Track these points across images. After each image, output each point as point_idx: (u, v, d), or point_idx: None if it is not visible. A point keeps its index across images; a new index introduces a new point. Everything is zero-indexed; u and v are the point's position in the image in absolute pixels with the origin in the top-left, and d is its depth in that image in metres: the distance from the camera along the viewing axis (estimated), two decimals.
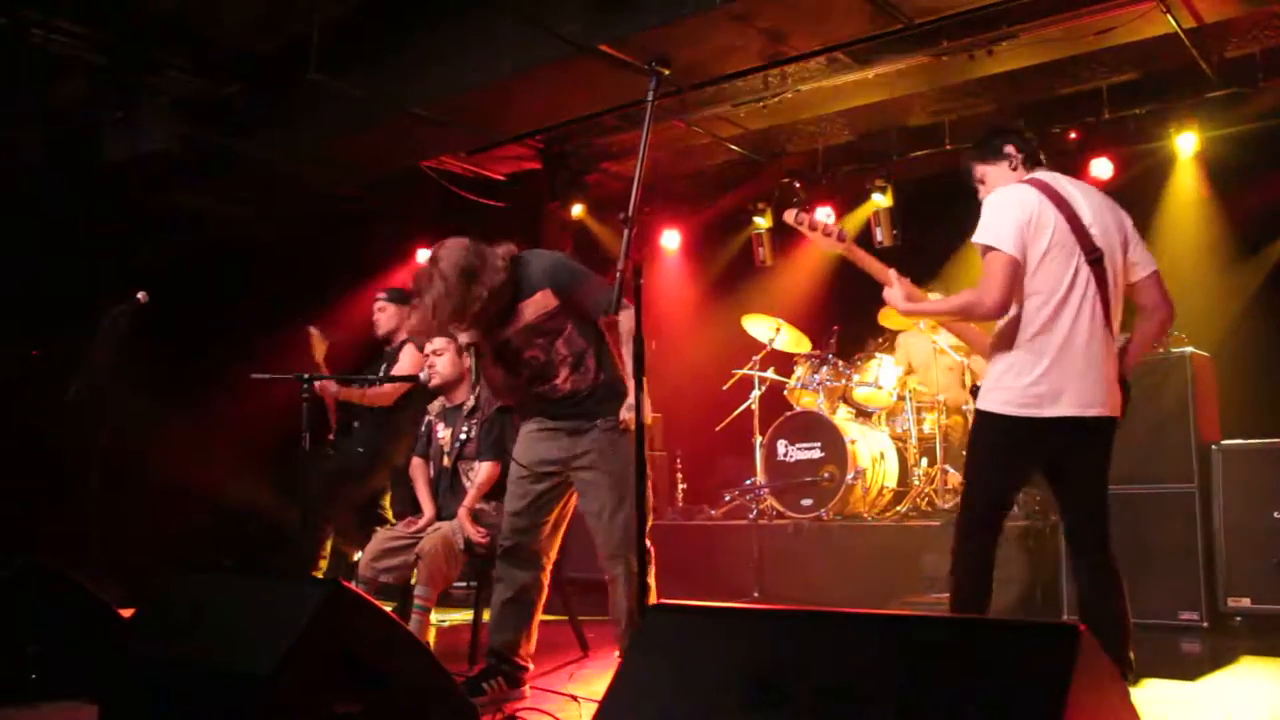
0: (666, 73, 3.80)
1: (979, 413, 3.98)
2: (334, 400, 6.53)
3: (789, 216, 4.18)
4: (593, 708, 2.33)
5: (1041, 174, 4.09)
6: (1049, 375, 3.83)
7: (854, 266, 4.21)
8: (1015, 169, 4.12)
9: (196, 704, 3.08)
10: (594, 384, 4.48)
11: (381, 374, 6.46)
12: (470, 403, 5.64)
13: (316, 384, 6.02)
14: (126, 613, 3.99)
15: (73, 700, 4.11)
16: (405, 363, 6.43)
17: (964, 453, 4.18)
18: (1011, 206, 3.86)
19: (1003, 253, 3.78)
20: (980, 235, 3.84)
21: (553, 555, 4.69)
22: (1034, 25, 6.61)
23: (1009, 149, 4.14)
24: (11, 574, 4.41)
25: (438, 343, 5.61)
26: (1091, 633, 3.91)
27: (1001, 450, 3.94)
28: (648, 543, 4.39)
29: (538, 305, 4.40)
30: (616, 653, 4.79)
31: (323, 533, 6.38)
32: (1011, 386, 3.87)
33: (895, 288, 4.08)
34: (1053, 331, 3.84)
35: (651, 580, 4.43)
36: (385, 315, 6.64)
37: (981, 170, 4.19)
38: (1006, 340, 3.90)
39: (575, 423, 4.50)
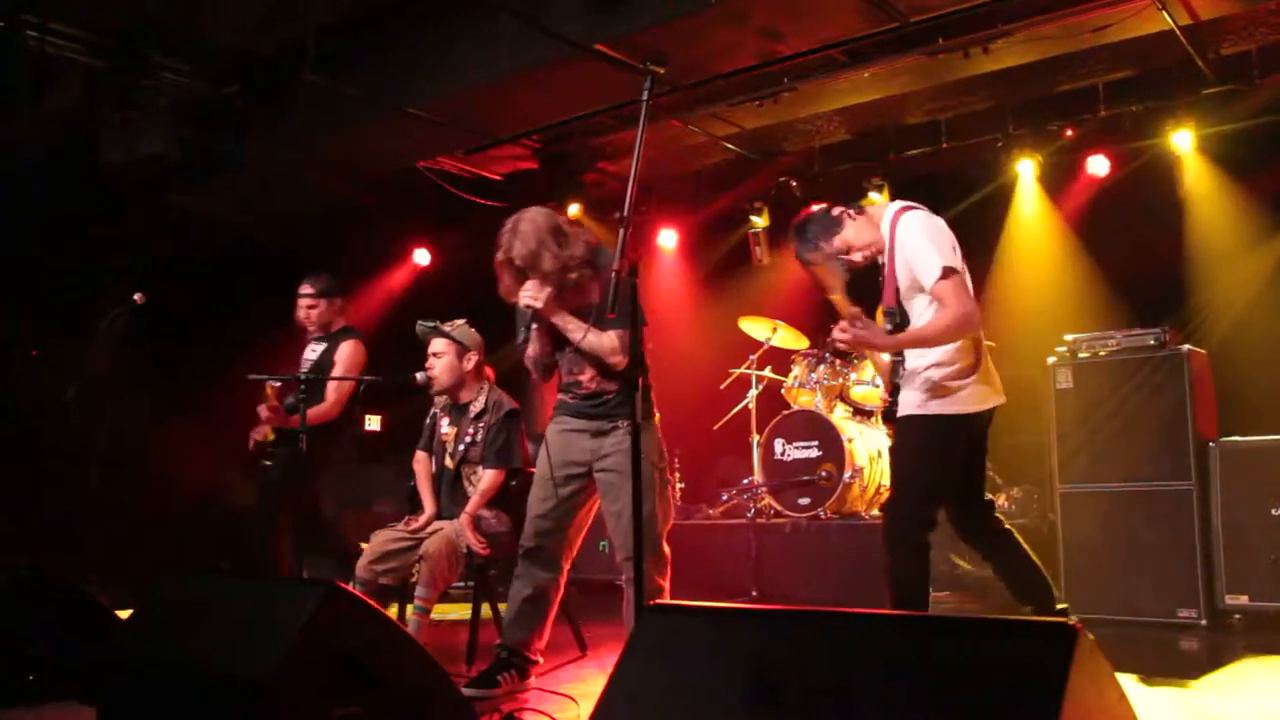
0: (661, 71, 3.82)
1: (934, 419, 4.13)
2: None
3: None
4: (590, 708, 2.33)
5: (899, 202, 4.34)
6: (985, 372, 4.16)
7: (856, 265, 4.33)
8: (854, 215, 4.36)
9: (194, 706, 3.08)
10: (619, 390, 4.56)
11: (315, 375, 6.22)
12: (479, 405, 5.60)
13: (263, 416, 5.97)
14: (124, 614, 3.99)
15: (71, 702, 4.11)
16: (345, 359, 6.21)
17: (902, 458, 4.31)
18: (943, 231, 4.13)
19: (960, 272, 4.04)
20: (942, 259, 4.01)
21: (572, 556, 4.76)
22: (1029, 23, 6.60)
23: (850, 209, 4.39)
24: (10, 577, 4.42)
25: (438, 345, 5.59)
26: (1020, 590, 4.21)
27: (955, 448, 4.17)
28: (665, 547, 4.47)
29: (590, 296, 4.56)
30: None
31: (279, 543, 6.29)
32: (964, 385, 4.11)
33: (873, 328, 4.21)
34: (977, 334, 4.14)
35: (665, 583, 4.50)
36: (316, 312, 6.34)
37: (843, 242, 4.36)
38: (947, 350, 4.12)
39: (599, 423, 4.60)
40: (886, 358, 4.43)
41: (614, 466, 4.52)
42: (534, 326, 4.57)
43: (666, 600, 4.39)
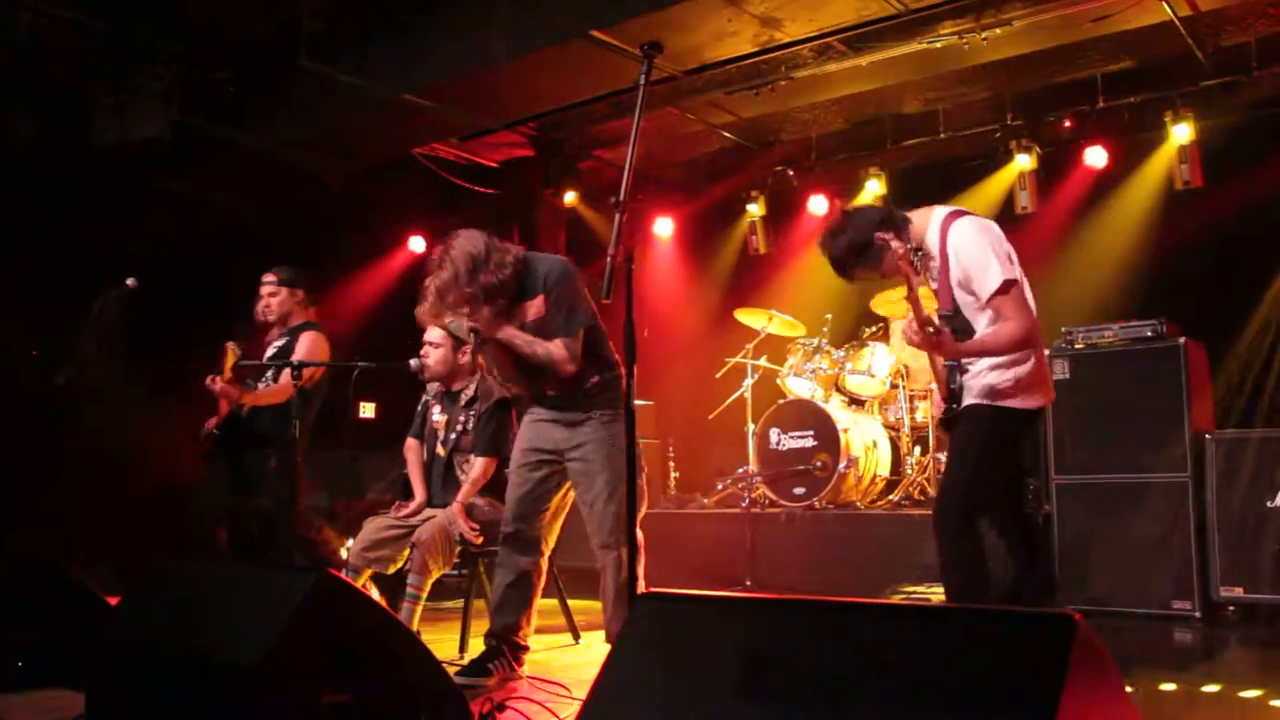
0: (659, 55, 3.80)
1: (998, 410, 4.12)
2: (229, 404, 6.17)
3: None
4: (583, 696, 2.31)
5: (945, 206, 4.28)
6: (1045, 369, 4.19)
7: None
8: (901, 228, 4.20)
9: (183, 692, 3.06)
10: (586, 385, 4.62)
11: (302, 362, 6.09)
12: (469, 393, 5.62)
13: (217, 389, 5.90)
14: (114, 600, 3.97)
15: (60, 688, 4.09)
16: (303, 350, 6.11)
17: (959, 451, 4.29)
18: (999, 238, 4.09)
19: (1019, 282, 4.02)
20: (1001, 273, 3.97)
21: (551, 542, 4.82)
22: (1029, 12, 6.58)
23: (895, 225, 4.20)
24: None
25: (435, 335, 5.61)
26: (1037, 598, 4.20)
27: (1013, 441, 4.25)
28: (639, 533, 4.50)
29: (536, 308, 4.57)
30: (606, 641, 4.84)
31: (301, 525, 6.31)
32: (1029, 381, 4.11)
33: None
34: (1038, 334, 4.12)
35: (640, 570, 4.53)
36: (277, 300, 6.26)
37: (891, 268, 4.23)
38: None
39: (571, 414, 4.64)
40: (942, 363, 4.37)
41: (585, 456, 4.58)
42: (483, 345, 4.64)
43: (656, 589, 4.40)
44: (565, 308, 4.51)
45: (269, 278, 6.31)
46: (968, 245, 4.05)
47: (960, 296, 4.15)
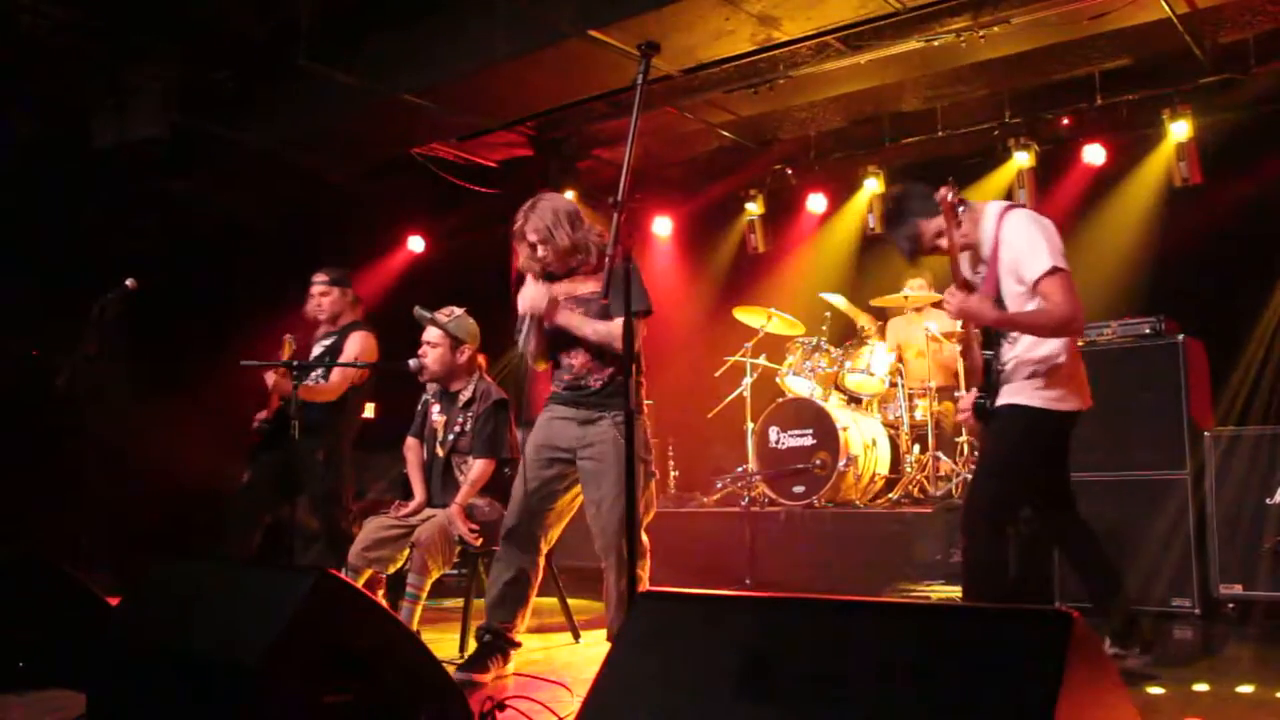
0: (656, 54, 3.80)
1: (1033, 410, 4.14)
2: (280, 396, 6.13)
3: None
4: (583, 695, 2.32)
5: (997, 201, 4.33)
6: (1081, 376, 4.22)
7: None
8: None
9: (184, 693, 3.06)
10: (607, 381, 4.63)
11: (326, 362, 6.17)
12: (467, 395, 5.61)
13: (270, 382, 5.93)
14: (114, 600, 3.97)
15: (61, 688, 4.09)
16: (354, 348, 6.17)
17: (978, 451, 4.30)
18: (1051, 230, 4.14)
19: (1068, 271, 4.03)
20: (1051, 259, 4.02)
21: (551, 541, 4.82)
22: (1027, 10, 6.58)
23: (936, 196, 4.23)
24: (1, 563, 4.40)
25: (433, 335, 5.59)
26: (1100, 583, 4.13)
27: (1046, 442, 4.23)
28: (644, 536, 4.52)
29: (596, 284, 4.59)
30: (607, 641, 4.84)
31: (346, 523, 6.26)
32: (1065, 384, 4.14)
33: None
34: (1082, 322, 4.14)
35: (644, 573, 4.54)
36: (329, 299, 6.31)
37: (927, 224, 4.28)
38: (1054, 348, 4.14)
39: (586, 413, 4.64)
40: (979, 352, 4.37)
41: (597, 455, 4.57)
42: (529, 326, 4.64)
43: (654, 588, 4.41)
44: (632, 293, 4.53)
45: (320, 278, 6.38)
46: (1020, 231, 4.12)
47: (1008, 285, 4.16)
